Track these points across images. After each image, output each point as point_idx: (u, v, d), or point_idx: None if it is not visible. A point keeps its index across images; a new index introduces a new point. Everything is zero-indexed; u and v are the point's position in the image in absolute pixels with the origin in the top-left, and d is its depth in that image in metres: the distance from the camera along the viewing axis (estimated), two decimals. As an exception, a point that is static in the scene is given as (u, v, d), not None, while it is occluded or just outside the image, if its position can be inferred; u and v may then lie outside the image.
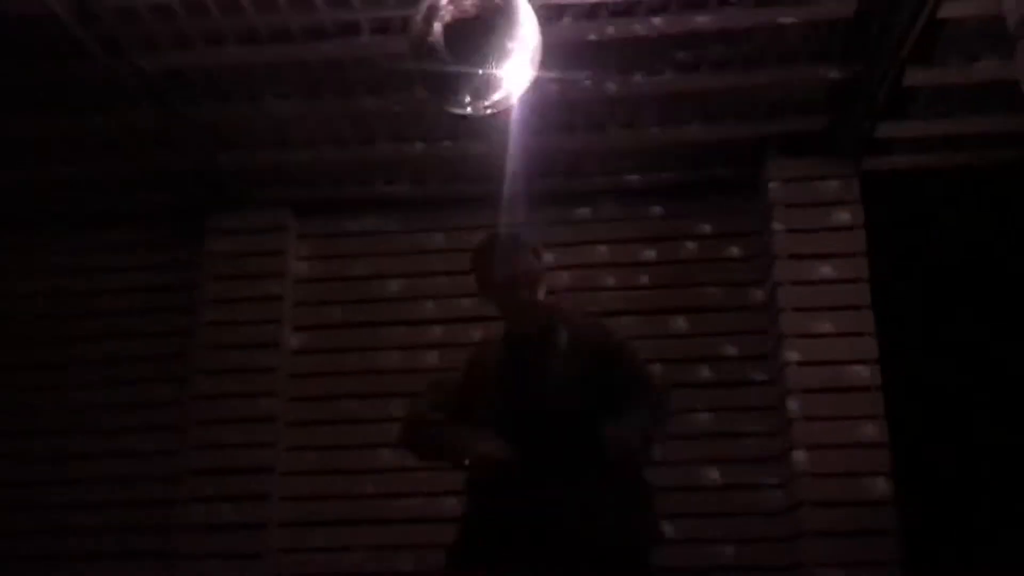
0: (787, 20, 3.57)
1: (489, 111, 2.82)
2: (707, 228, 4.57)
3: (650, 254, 4.58)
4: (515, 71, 2.77)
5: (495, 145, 4.31)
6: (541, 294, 2.67)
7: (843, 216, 4.24)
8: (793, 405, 4.04)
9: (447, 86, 2.74)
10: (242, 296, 4.66)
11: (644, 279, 4.55)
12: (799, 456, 3.97)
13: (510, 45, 2.73)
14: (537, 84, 3.82)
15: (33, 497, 4.55)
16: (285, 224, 4.76)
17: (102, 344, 4.79)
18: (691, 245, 4.57)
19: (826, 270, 4.18)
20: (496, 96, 2.78)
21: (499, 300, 2.66)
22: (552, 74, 3.87)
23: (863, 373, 4.04)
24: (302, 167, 4.55)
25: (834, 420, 4.00)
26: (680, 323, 4.46)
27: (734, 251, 4.52)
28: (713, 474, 4.22)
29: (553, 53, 3.45)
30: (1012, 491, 3.88)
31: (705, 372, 4.39)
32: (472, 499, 2.62)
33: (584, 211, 4.69)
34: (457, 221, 4.71)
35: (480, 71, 2.70)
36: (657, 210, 4.63)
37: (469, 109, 2.80)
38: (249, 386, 4.53)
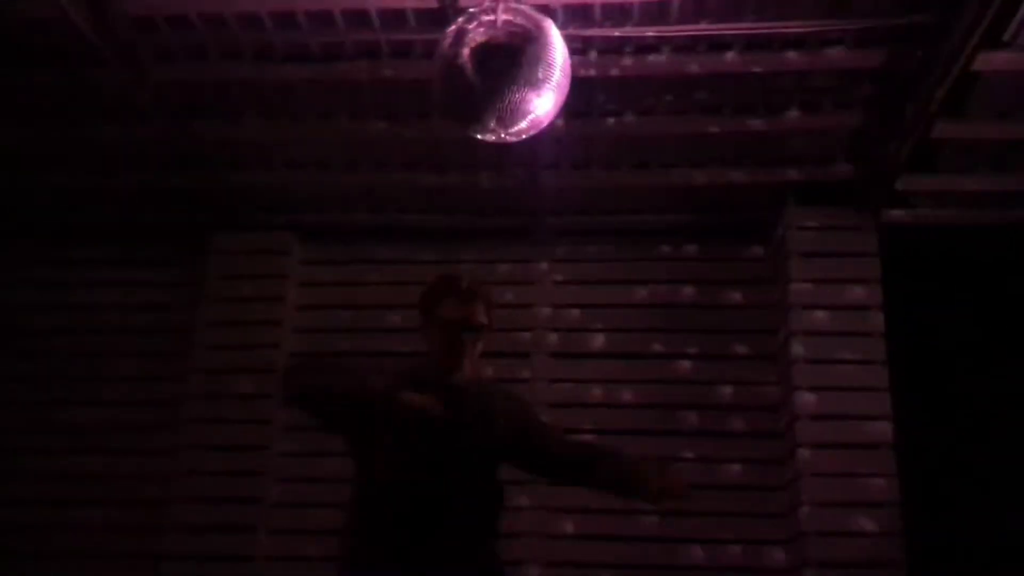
0: (812, 66, 3.51)
1: (512, 139, 2.74)
2: (721, 273, 4.47)
3: (658, 295, 4.48)
4: (542, 100, 2.70)
5: (509, 178, 4.23)
6: (479, 352, 2.58)
7: (861, 269, 4.15)
8: (803, 457, 3.92)
9: (471, 110, 2.66)
10: (240, 320, 4.54)
11: (652, 320, 4.44)
12: (805, 512, 3.84)
13: (539, 72, 2.66)
14: (557, 117, 3.85)
15: (17, 518, 4.40)
16: (289, 249, 4.66)
17: (95, 360, 4.66)
18: (702, 289, 4.47)
19: (841, 322, 4.09)
20: (521, 124, 2.70)
21: (443, 338, 2.52)
22: (572, 108, 3.83)
23: (877, 428, 3.92)
24: (311, 191, 4.46)
25: (844, 476, 3.88)
26: (686, 367, 4.34)
27: (745, 298, 4.43)
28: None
29: (575, 86, 3.40)
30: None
31: (709, 421, 4.27)
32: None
33: (594, 249, 4.59)
34: (466, 254, 4.62)
35: (506, 97, 2.63)
36: (667, 250, 4.54)
37: (492, 135, 2.72)
38: (243, 413, 4.40)
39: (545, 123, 2.74)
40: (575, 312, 4.50)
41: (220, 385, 4.43)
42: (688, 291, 4.47)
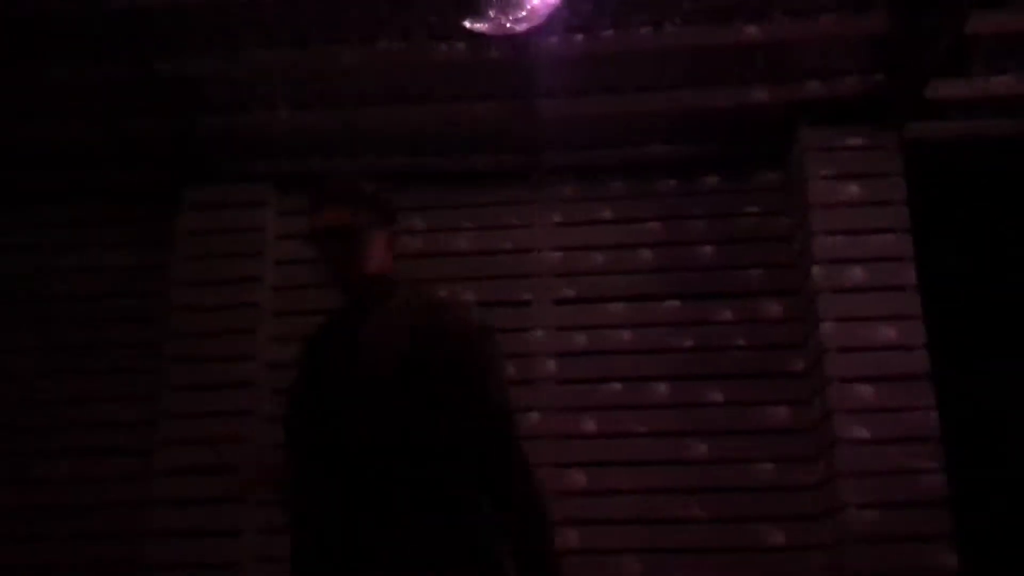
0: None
1: (512, 27, 2.41)
2: (735, 206, 4.16)
3: (668, 232, 4.16)
4: (545, -17, 2.37)
5: (505, 107, 3.89)
6: (369, 258, 2.09)
7: (885, 191, 3.84)
8: (833, 394, 3.61)
9: (468, -5, 2.33)
10: (217, 278, 4.20)
11: (662, 260, 4.13)
12: (840, 451, 3.55)
13: (540, -48, 2.34)
14: (552, 36, 3.52)
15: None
16: (265, 199, 4.31)
17: (64, 330, 4.32)
18: (715, 224, 4.16)
19: (865, 248, 3.78)
20: (521, 11, 2.38)
21: (324, 271, 2.11)
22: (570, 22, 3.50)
23: (912, 359, 3.62)
24: (286, 133, 4.11)
25: (879, 412, 3.58)
26: (715, 309, 4.03)
27: (761, 229, 4.12)
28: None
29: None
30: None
31: (726, 363, 3.97)
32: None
33: (597, 187, 4.26)
34: (458, 198, 4.29)
35: (506, -22, 2.30)
36: (676, 184, 4.22)
37: (492, 25, 2.39)
38: (225, 376, 4.06)
39: (545, 11, 2.41)
40: (579, 255, 4.17)
41: (196, 348, 4.09)
42: (700, 226, 4.16)
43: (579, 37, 3.55)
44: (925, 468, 3.48)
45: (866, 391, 3.60)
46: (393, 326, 2.04)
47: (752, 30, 3.54)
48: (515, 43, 3.47)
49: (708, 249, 4.12)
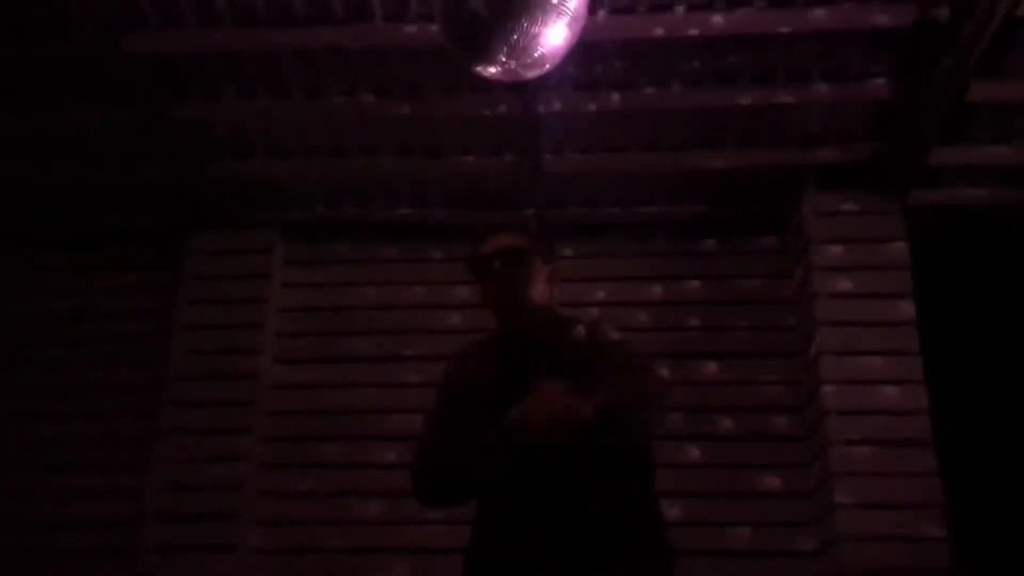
0: (838, 24, 3.26)
1: (524, 74, 2.45)
2: (735, 268, 4.19)
3: (669, 292, 4.18)
4: (555, 30, 2.42)
5: (511, 162, 3.94)
6: (534, 287, 2.16)
7: (888, 256, 3.86)
8: (833, 457, 3.59)
9: (480, 41, 2.38)
10: (220, 323, 4.21)
11: (663, 318, 4.14)
12: (840, 520, 3.50)
13: (552, 2, 2.39)
14: (559, 90, 3.58)
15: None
16: (272, 247, 4.34)
17: (68, 371, 4.31)
18: (716, 284, 4.18)
19: (868, 312, 3.79)
20: (533, 56, 2.42)
21: (491, 295, 2.17)
22: (578, 80, 3.57)
23: (912, 423, 3.60)
24: (294, 181, 4.15)
25: (879, 476, 3.55)
26: (711, 368, 4.02)
27: (767, 288, 4.14)
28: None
29: (581, 54, 3.13)
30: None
31: (727, 423, 3.94)
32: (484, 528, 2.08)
33: (599, 245, 4.30)
34: (462, 252, 4.29)
35: (517, 24, 2.35)
36: (678, 244, 4.26)
37: (502, 71, 2.44)
38: (225, 422, 4.04)
39: (559, 57, 2.46)
40: (578, 311, 4.17)
41: (197, 392, 4.08)
42: (700, 286, 4.18)
43: (585, 96, 3.61)
44: (928, 536, 3.44)
45: (866, 454, 3.57)
46: (582, 360, 2.04)
47: (755, 94, 3.60)
48: (523, 99, 3.54)
49: (704, 309, 4.13)
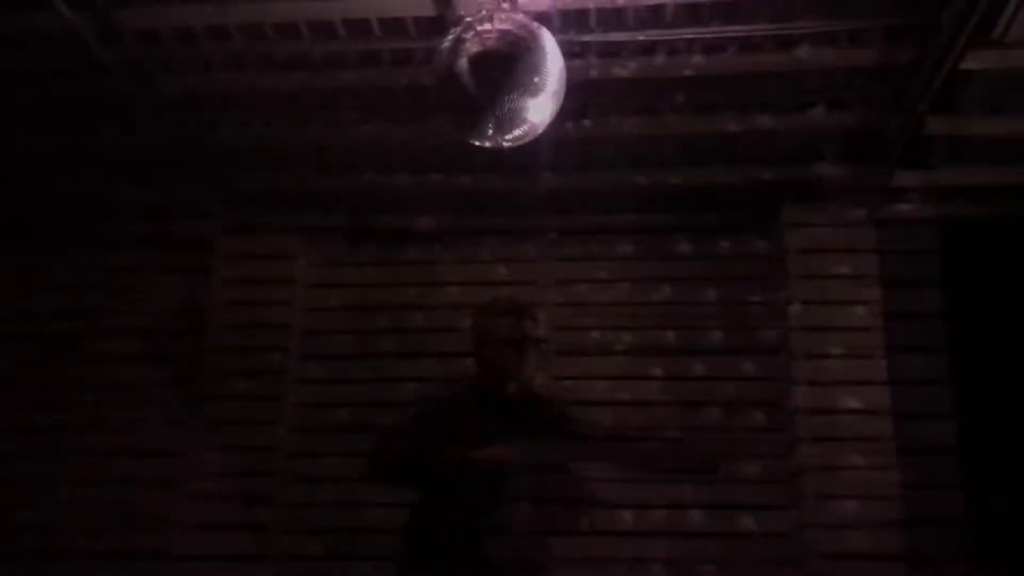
0: (808, 65, 3.58)
1: (510, 144, 2.81)
2: (724, 271, 4.54)
3: (665, 294, 4.55)
4: (538, 106, 2.77)
5: (514, 180, 4.31)
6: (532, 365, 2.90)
7: (859, 264, 4.21)
8: (802, 453, 3.99)
9: (470, 118, 2.74)
10: (250, 322, 4.63)
11: (658, 317, 4.51)
12: (808, 503, 3.92)
13: (535, 80, 2.74)
14: (557, 120, 3.92)
15: (19, 522, 4.48)
16: (295, 251, 4.74)
17: (104, 368, 4.73)
18: (706, 285, 4.53)
19: (837, 317, 4.15)
20: (518, 130, 2.78)
21: (498, 359, 2.79)
22: (572, 111, 3.91)
23: (877, 423, 3.99)
24: (315, 194, 4.54)
25: (846, 470, 3.95)
26: (697, 367, 4.41)
27: (748, 294, 4.50)
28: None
29: (575, 89, 3.48)
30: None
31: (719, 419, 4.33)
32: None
33: (598, 248, 4.65)
34: (476, 254, 4.69)
35: (503, 105, 2.70)
36: (677, 249, 4.60)
37: (490, 142, 2.79)
38: (254, 415, 4.48)
39: (541, 129, 2.81)
40: (580, 310, 4.56)
41: (228, 388, 4.52)
42: (692, 288, 4.54)
43: (572, 125, 3.95)
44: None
45: (831, 449, 3.97)
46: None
47: (734, 122, 3.93)
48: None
49: (696, 309, 4.51)
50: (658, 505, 4.13)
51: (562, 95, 2.81)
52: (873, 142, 3.85)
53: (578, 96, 3.76)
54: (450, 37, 2.75)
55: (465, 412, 2.80)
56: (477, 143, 2.80)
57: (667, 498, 4.12)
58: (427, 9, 3.34)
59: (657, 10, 3.44)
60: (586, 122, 4.02)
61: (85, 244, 4.90)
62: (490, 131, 2.74)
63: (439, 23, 3.29)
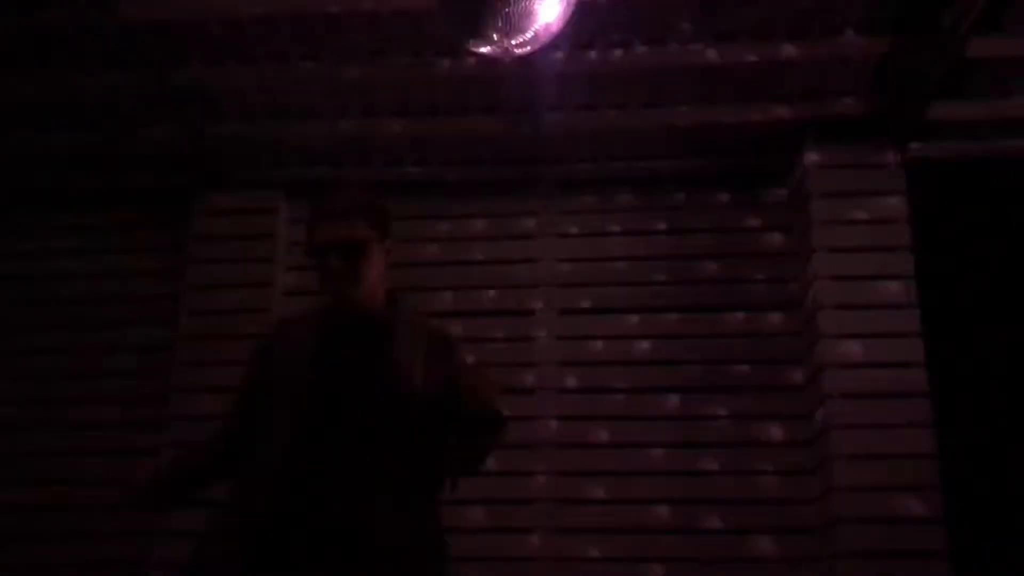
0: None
1: (517, 51, 2.46)
2: (742, 220, 4.22)
3: (672, 245, 4.22)
4: (547, 8, 2.43)
5: (512, 121, 3.96)
6: (369, 275, 2.17)
7: (886, 207, 3.88)
8: (828, 408, 3.67)
9: (472, 18, 2.39)
10: (228, 282, 4.28)
11: (666, 272, 4.19)
12: (838, 467, 3.60)
13: (544, -23, 2.39)
14: (559, 53, 3.58)
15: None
16: (276, 206, 4.39)
17: (77, 332, 4.40)
18: (720, 238, 4.21)
19: (867, 266, 3.82)
20: (527, 33, 2.43)
21: (317, 272, 2.18)
22: (578, 39, 3.57)
23: (909, 376, 3.66)
24: (297, 143, 4.18)
25: (874, 428, 3.63)
26: (715, 322, 4.08)
27: (772, 242, 4.17)
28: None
29: (580, 13, 3.13)
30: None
31: (727, 376, 4.02)
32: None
33: (602, 199, 4.32)
34: (464, 208, 4.35)
35: (510, 3, 2.36)
36: (681, 198, 4.28)
37: (495, 47, 2.45)
38: (234, 380, 4.12)
39: (553, 31, 2.47)
40: (583, 266, 4.24)
41: (206, 352, 4.17)
42: (704, 240, 4.22)
43: (583, 54, 3.61)
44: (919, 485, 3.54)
45: (861, 406, 3.65)
46: (416, 345, 2.17)
47: (754, 51, 3.59)
48: (521, 58, 3.54)
49: (713, 263, 4.18)
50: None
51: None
52: (909, 69, 3.49)
53: (584, 21, 3.43)
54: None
55: (300, 347, 2.14)
56: (480, 50, 2.45)
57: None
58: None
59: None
60: (592, 53, 3.66)
61: (39, 202, 4.55)
62: (495, 34, 2.40)
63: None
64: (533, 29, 2.39)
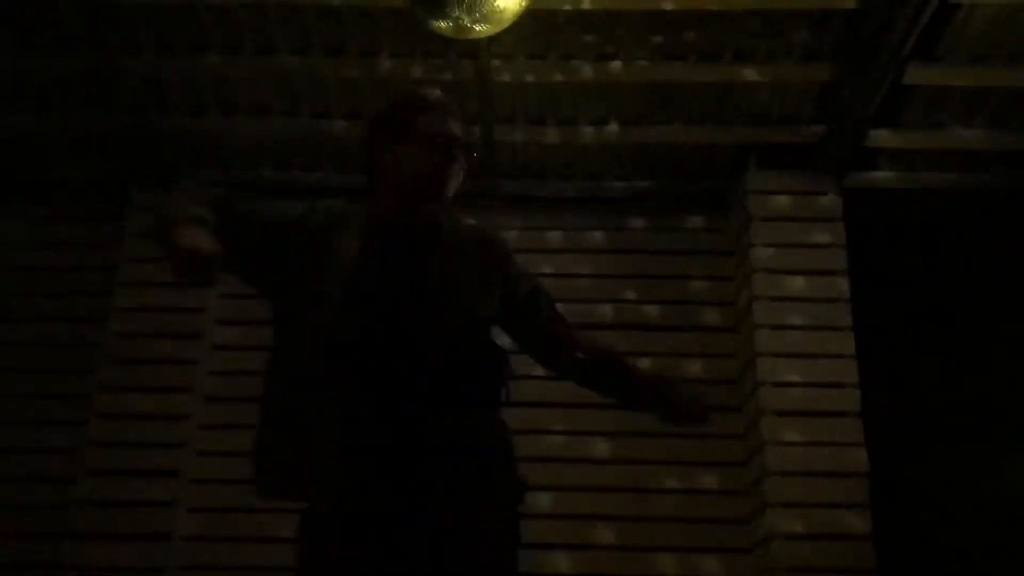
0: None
1: (476, 29, 2.49)
2: (679, 244, 4.28)
3: (620, 265, 4.26)
4: (507, -10, 2.47)
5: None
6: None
7: (824, 233, 3.98)
8: (766, 428, 3.70)
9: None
10: (162, 281, 4.17)
11: (608, 290, 4.22)
12: (770, 483, 3.62)
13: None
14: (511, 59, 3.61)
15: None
16: (218, 207, 4.32)
17: (5, 327, 4.25)
18: (659, 260, 4.27)
19: (803, 286, 3.90)
20: (484, 13, 2.46)
21: (424, 160, 1.95)
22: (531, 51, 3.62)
23: (841, 396, 3.72)
24: (242, 140, 4.13)
25: (809, 446, 3.67)
26: (646, 339, 4.11)
27: (705, 268, 4.24)
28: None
29: (533, 23, 3.20)
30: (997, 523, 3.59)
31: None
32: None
33: (549, 217, 4.35)
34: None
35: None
36: (631, 220, 4.33)
37: (455, 27, 2.47)
38: (163, 380, 4.02)
39: (512, 15, 2.50)
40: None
41: (136, 351, 4.05)
42: (644, 261, 4.26)
43: (535, 63, 3.65)
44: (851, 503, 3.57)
45: (796, 424, 3.69)
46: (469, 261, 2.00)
47: (702, 71, 3.67)
48: (476, 65, 3.57)
49: (652, 281, 4.22)
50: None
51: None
52: (848, 97, 3.61)
53: (538, 34, 3.49)
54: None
55: (357, 244, 1.91)
56: (440, 27, 2.47)
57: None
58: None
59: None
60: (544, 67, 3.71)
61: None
62: (455, 11, 2.42)
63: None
64: (492, 7, 2.41)
